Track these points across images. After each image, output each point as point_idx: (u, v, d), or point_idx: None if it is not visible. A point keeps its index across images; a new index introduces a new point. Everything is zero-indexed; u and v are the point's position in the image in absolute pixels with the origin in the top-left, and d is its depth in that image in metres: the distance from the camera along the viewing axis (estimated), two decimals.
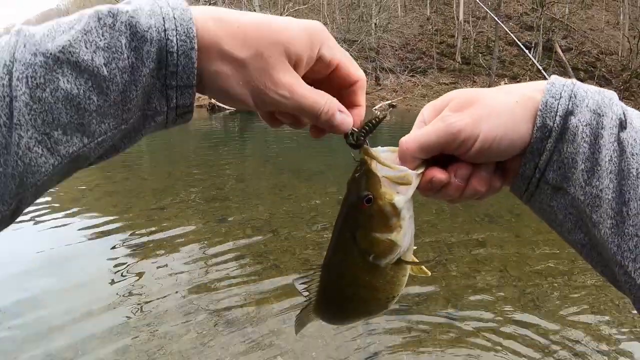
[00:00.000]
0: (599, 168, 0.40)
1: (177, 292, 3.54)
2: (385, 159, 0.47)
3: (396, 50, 24.08)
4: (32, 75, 0.35)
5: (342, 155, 8.44)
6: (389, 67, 21.99)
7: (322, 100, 0.46)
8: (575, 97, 0.42)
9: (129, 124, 0.41)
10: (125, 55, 0.38)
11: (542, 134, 0.43)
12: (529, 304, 3.37)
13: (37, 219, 5.25)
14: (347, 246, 0.50)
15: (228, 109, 17.15)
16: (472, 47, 25.90)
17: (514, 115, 0.44)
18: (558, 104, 0.42)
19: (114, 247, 4.43)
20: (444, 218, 5.19)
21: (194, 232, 4.83)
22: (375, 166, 0.47)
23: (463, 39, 25.41)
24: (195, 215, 5.39)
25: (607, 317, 3.22)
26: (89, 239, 4.62)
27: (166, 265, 4.02)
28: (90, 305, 3.35)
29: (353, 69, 0.49)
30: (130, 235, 4.77)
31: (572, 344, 2.91)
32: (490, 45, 24.39)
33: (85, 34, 0.37)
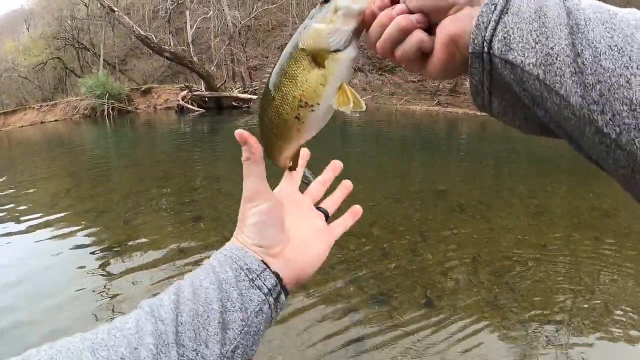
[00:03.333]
0: (545, 29, 0.40)
1: (152, 293, 3.52)
2: None
3: (365, 50, 24.35)
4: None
5: (311, 154, 8.46)
6: (358, 66, 22.20)
7: None
8: None
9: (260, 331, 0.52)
10: (258, 307, 0.51)
11: (488, 9, 0.43)
12: (503, 286, 3.53)
13: (9, 227, 5.11)
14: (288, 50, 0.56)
15: (197, 110, 16.92)
16: None
17: None
18: None
19: (88, 253, 4.36)
20: (417, 209, 5.34)
21: (169, 233, 4.80)
22: None
23: None
24: (169, 217, 5.35)
25: (579, 298, 3.41)
26: (62, 246, 4.52)
27: (141, 267, 3.98)
28: (63, 309, 3.31)
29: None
30: (104, 239, 4.70)
31: (546, 324, 3.07)
32: None
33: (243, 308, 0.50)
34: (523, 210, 5.32)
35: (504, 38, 0.43)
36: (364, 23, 0.54)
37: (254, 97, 17.01)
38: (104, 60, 24.41)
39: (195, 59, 18.96)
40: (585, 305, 3.29)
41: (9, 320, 3.21)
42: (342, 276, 3.71)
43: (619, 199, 5.64)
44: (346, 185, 0.69)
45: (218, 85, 18.04)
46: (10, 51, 29.55)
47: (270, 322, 0.54)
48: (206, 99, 17.56)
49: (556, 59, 0.39)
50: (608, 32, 0.38)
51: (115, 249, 4.43)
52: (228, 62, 22.22)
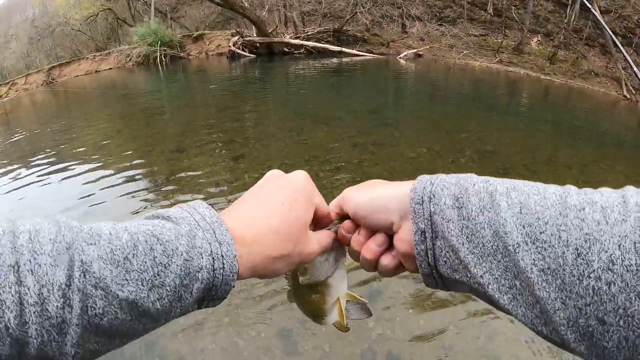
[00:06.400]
0: (478, 251, 0.43)
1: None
2: None
3: None
4: (91, 305, 0.35)
5: (360, 101, 8.33)
6: (416, 14, 20.97)
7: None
8: (434, 196, 0.48)
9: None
10: (176, 290, 0.41)
11: (420, 235, 0.48)
12: None
13: (64, 168, 5.48)
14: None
15: (248, 56, 16.91)
16: None
17: (385, 195, 0.54)
18: (422, 207, 0.48)
19: (136, 190, 4.64)
20: (459, 166, 5.14)
21: (212, 171, 4.97)
22: None
23: None
24: (214, 157, 5.51)
25: None
26: (113, 184, 4.82)
27: (180, 200, 4.18)
28: None
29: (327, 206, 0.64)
30: (151, 177, 4.96)
31: None
32: None
33: (141, 273, 0.38)
34: (570, 184, 5.00)
35: (445, 262, 0.47)
36: (339, 241, 0.62)
37: (306, 43, 16.72)
38: (155, 8, 24.55)
39: (246, 4, 18.71)
40: None
41: None
42: None
43: None
44: None
45: (270, 31, 17.80)
46: (61, 6, 30.12)
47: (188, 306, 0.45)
48: (257, 44, 17.43)
49: (492, 279, 0.42)
50: (539, 254, 0.38)
51: (159, 186, 4.68)
52: (280, 7, 21.75)
